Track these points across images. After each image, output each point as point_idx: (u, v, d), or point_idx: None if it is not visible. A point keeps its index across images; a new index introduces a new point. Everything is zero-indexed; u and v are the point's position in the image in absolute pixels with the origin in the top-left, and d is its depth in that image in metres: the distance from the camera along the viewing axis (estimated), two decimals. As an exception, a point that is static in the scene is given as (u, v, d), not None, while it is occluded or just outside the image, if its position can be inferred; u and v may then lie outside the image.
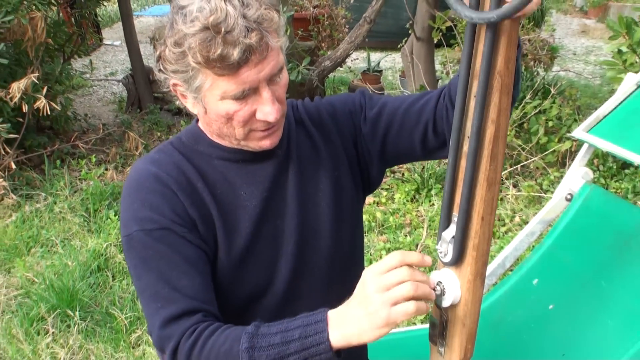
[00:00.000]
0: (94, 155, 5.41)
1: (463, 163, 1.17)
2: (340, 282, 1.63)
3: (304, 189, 1.57)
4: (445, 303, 1.23)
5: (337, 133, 1.63)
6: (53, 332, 3.30)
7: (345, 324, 1.21)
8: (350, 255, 1.69)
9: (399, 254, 1.18)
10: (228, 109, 1.38)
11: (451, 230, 1.21)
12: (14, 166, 4.85)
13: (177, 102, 1.51)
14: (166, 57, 1.37)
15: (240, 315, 1.52)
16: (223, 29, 1.27)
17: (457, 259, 1.21)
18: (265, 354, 1.24)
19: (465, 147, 1.17)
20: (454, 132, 1.18)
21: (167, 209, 1.44)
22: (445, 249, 1.22)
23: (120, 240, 4.00)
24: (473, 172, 1.16)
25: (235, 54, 1.28)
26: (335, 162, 1.62)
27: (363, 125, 1.63)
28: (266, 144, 1.47)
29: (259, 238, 1.52)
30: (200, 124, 1.56)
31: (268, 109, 1.38)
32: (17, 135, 4.89)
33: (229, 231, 1.49)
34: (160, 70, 1.43)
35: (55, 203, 4.67)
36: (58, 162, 5.26)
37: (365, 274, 1.21)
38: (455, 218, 1.20)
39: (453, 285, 1.23)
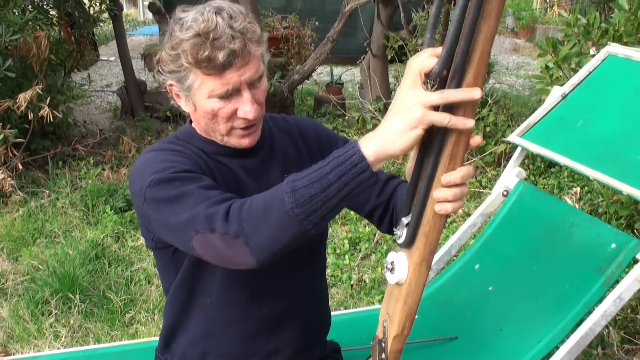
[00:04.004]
0: (92, 157, 5.34)
1: (426, 162, 1.14)
2: (304, 269, 1.64)
3: (289, 173, 1.58)
4: (392, 280, 1.21)
5: (317, 151, 1.65)
6: (56, 313, 3.25)
7: (376, 134, 1.10)
8: (319, 242, 1.69)
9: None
10: (213, 107, 1.41)
11: (409, 217, 1.19)
12: (20, 167, 4.77)
13: (172, 102, 1.53)
14: (164, 60, 1.42)
15: None
16: (212, 36, 1.33)
17: (409, 243, 1.18)
18: (305, 180, 1.16)
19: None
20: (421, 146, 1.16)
21: (184, 160, 1.43)
22: (401, 232, 1.19)
23: (116, 231, 4.00)
24: (433, 171, 1.13)
25: (220, 56, 1.33)
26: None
27: None
28: (245, 142, 1.49)
29: None
30: (193, 124, 1.56)
31: (247, 108, 1.41)
32: (23, 140, 4.81)
33: None
34: (158, 71, 1.46)
35: (57, 199, 4.60)
36: (60, 163, 5.19)
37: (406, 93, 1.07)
38: (414, 207, 1.18)
39: (402, 266, 1.20)
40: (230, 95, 1.40)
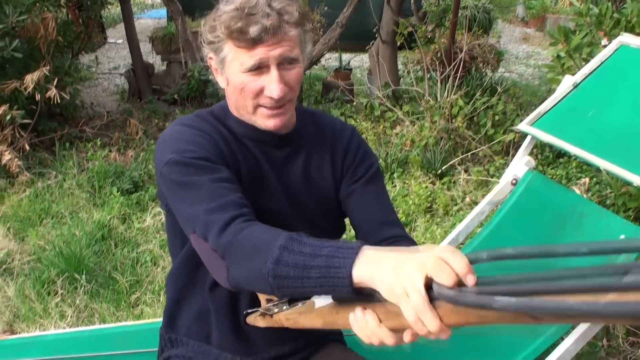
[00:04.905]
0: (99, 139, 5.34)
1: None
2: None
3: (309, 173, 1.60)
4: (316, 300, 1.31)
5: (342, 156, 1.64)
6: (62, 293, 3.27)
7: (375, 264, 1.08)
8: (335, 236, 1.68)
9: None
10: (242, 80, 1.43)
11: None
12: (28, 148, 4.79)
13: (211, 77, 1.59)
14: (204, 31, 1.47)
15: None
16: (248, 10, 1.37)
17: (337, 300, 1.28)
18: (293, 258, 1.17)
19: None
20: None
21: (207, 145, 1.46)
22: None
23: (122, 213, 4.02)
24: (369, 298, 1.14)
25: (252, 30, 1.36)
26: (333, 175, 1.64)
27: (347, 184, 1.64)
28: (270, 124, 1.49)
29: (268, 202, 1.54)
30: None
31: (274, 86, 1.42)
32: (30, 121, 4.83)
33: (250, 193, 1.48)
34: (200, 43, 1.51)
35: (64, 180, 4.61)
36: (67, 144, 5.20)
37: (430, 256, 1.00)
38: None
39: (322, 301, 1.30)
40: (259, 70, 1.42)
